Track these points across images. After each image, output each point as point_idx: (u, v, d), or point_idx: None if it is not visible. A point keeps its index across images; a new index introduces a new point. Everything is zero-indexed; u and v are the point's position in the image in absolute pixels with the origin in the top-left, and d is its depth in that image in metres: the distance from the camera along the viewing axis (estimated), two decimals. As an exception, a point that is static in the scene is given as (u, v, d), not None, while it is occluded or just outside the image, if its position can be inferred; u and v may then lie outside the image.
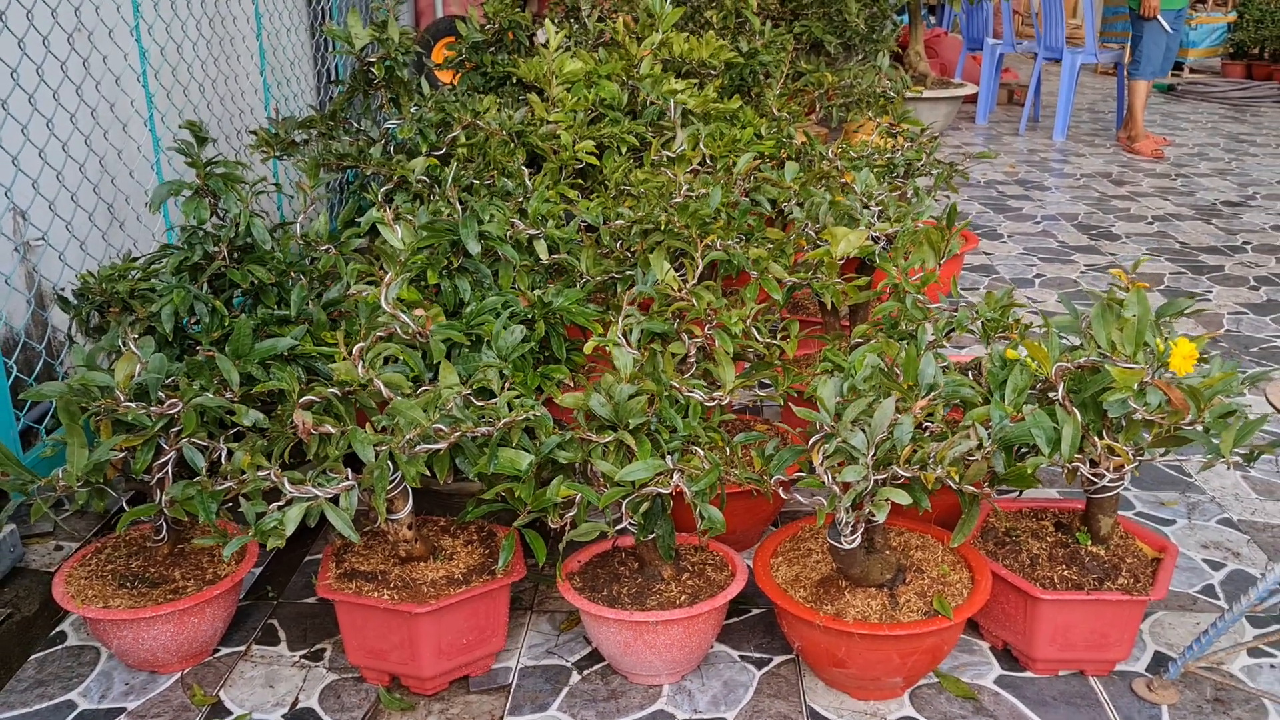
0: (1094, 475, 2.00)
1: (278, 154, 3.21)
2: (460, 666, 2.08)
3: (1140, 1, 6.92)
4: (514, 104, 3.64)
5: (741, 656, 2.18)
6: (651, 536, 2.02)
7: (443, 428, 1.78)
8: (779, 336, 2.51)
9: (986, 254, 4.99)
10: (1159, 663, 2.14)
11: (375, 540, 2.15)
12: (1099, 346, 1.95)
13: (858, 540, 1.81)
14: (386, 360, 2.00)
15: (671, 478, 1.88)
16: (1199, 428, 1.94)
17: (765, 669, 2.14)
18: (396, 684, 2.09)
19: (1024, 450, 1.98)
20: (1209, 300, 4.32)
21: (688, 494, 1.88)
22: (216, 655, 2.19)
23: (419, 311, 1.87)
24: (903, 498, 1.71)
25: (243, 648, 2.22)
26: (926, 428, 1.91)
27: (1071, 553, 2.10)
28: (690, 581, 2.10)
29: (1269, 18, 10.98)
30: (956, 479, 1.73)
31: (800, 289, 2.75)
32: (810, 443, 1.77)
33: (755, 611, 2.31)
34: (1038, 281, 4.57)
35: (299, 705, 2.05)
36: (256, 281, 2.41)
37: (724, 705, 2.04)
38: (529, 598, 2.38)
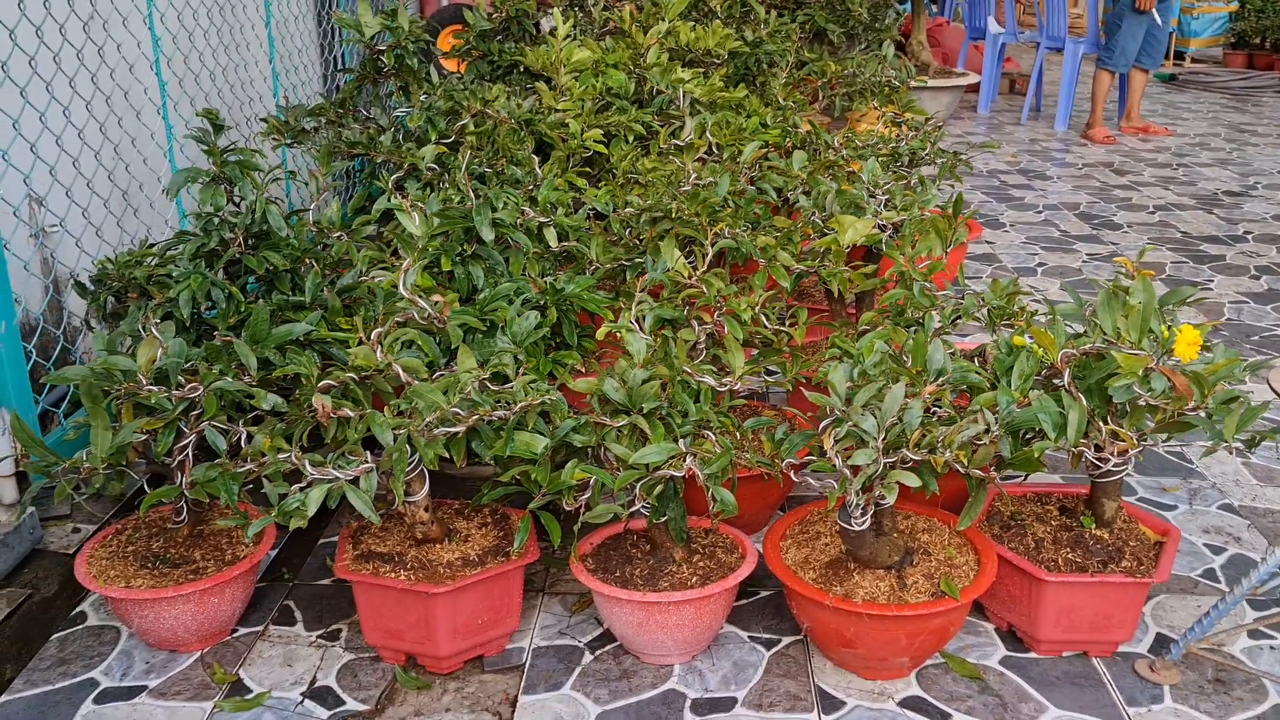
0: (1098, 460, 2.04)
1: (287, 141, 3.24)
2: (475, 646, 2.12)
3: None
4: (522, 92, 3.67)
5: (751, 637, 2.22)
6: (664, 519, 2.06)
7: (460, 411, 1.81)
8: (787, 324, 2.55)
9: (989, 243, 5.02)
10: (1161, 644, 2.18)
11: (391, 523, 2.19)
12: (1104, 333, 1.99)
13: (867, 522, 1.85)
14: (406, 345, 2.04)
15: (684, 461, 1.91)
16: (1202, 414, 1.98)
17: (774, 649, 2.18)
18: (413, 663, 2.13)
19: (1030, 435, 2.02)
20: (1210, 289, 4.35)
21: (700, 477, 1.91)
22: (235, 635, 2.23)
23: (435, 297, 1.90)
24: (912, 480, 1.74)
25: (260, 628, 2.26)
26: (935, 413, 1.95)
27: (1076, 536, 2.14)
28: (701, 563, 2.13)
29: (1270, 7, 11.00)
30: (965, 463, 1.77)
31: (807, 277, 2.79)
32: (821, 427, 1.81)
33: (764, 593, 2.35)
34: (1040, 270, 4.61)
35: (317, 684, 2.09)
36: (271, 268, 2.44)
37: (734, 684, 2.08)
38: (540, 580, 2.42)
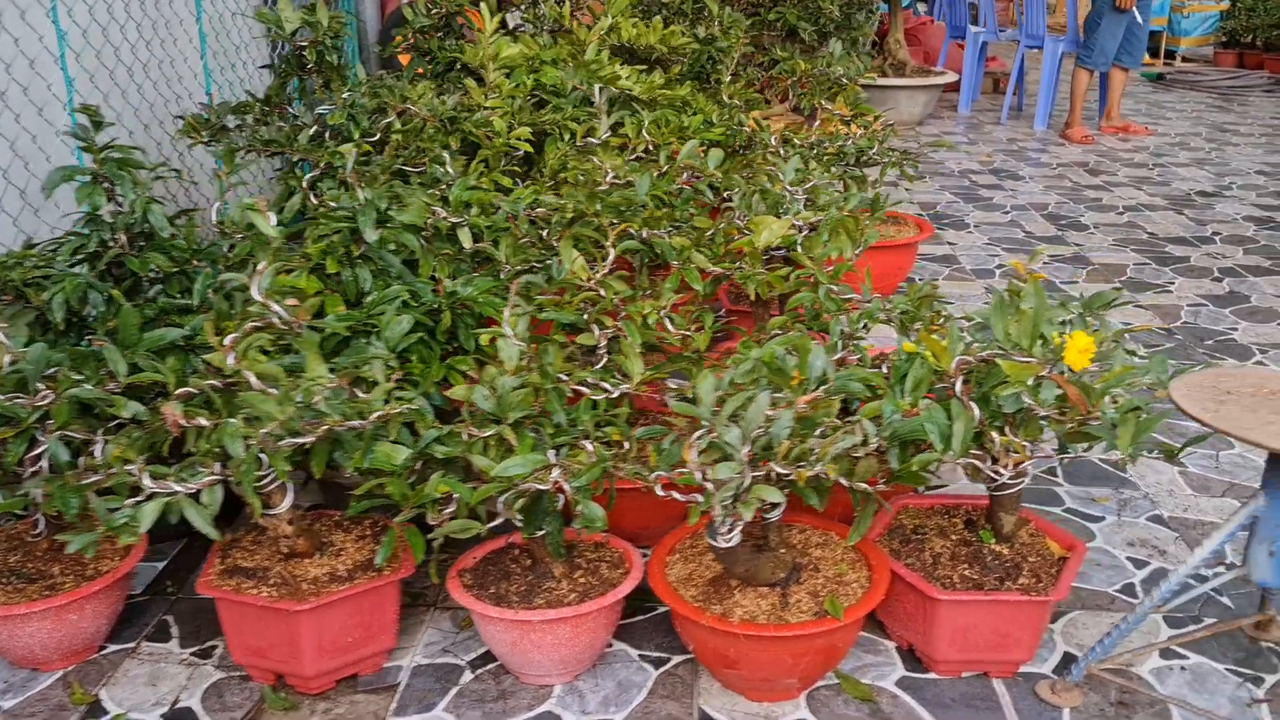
0: (993, 472, 1.94)
1: (205, 140, 3.16)
2: (347, 665, 2.03)
3: None
4: (456, 90, 3.58)
5: (641, 656, 2.13)
6: (540, 533, 1.97)
7: (308, 422, 1.73)
8: (697, 329, 2.45)
9: (951, 244, 4.92)
10: (1068, 664, 2.09)
11: (264, 536, 2.10)
12: (998, 340, 1.90)
13: (735, 539, 1.76)
14: (284, 350, 1.95)
15: (551, 473, 1.82)
16: (1097, 423, 1.88)
17: (663, 669, 2.09)
18: (282, 682, 2.04)
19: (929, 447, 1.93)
20: (1170, 291, 4.25)
21: (567, 490, 1.82)
22: (103, 652, 2.14)
23: (290, 301, 1.81)
24: (775, 495, 1.65)
25: (133, 644, 2.17)
26: (822, 423, 1.85)
27: (974, 551, 2.05)
28: (583, 580, 2.04)
29: (1261, 5, 10.87)
30: (835, 476, 1.68)
31: (727, 279, 2.70)
32: (688, 438, 1.71)
33: (661, 609, 2.25)
34: (998, 272, 4.51)
35: (179, 704, 2.00)
36: (158, 270, 2.36)
37: (614, 706, 1.99)
38: (433, 594, 2.33)
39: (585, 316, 2.36)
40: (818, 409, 1.85)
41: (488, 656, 2.12)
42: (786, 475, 1.67)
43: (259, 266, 1.81)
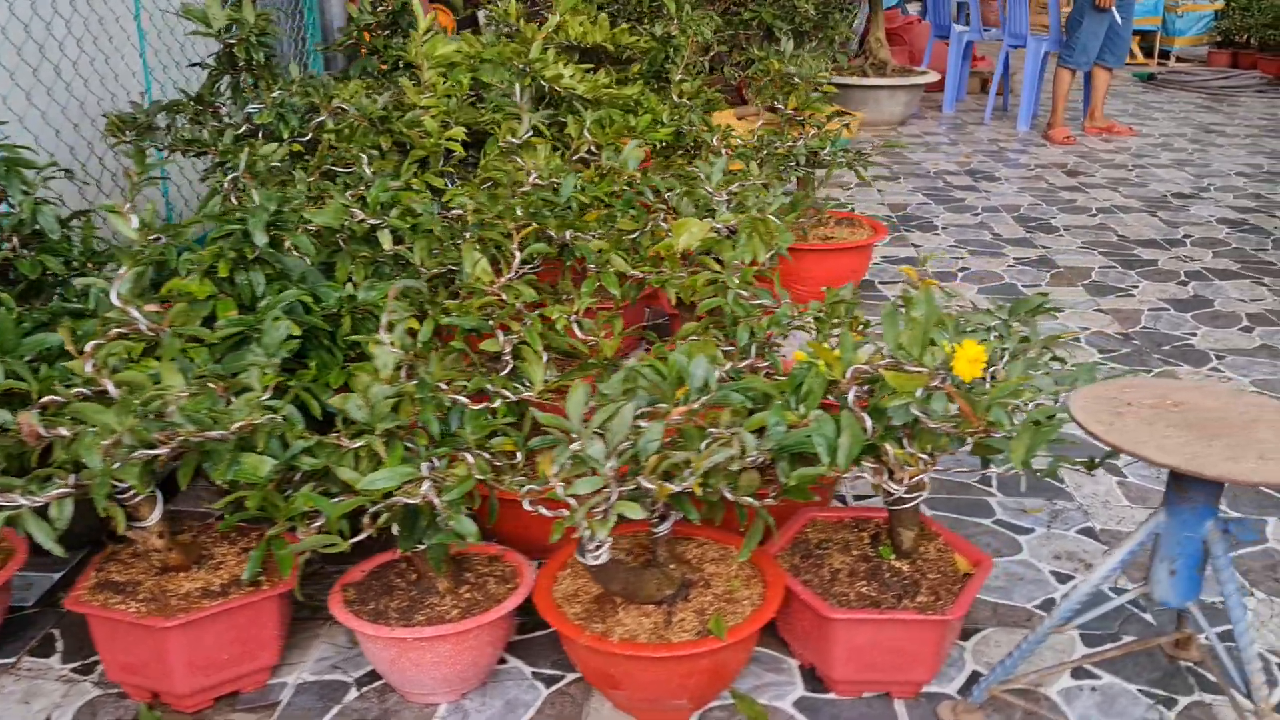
0: (888, 486, 1.87)
1: (128, 140, 3.10)
2: (225, 682, 1.96)
3: None
4: (396, 89, 3.52)
5: (534, 673, 2.06)
6: (421, 547, 1.89)
7: (164, 433, 1.66)
8: (607, 335, 2.38)
9: (916, 246, 4.84)
10: (975, 683, 2.01)
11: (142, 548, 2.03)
12: (891, 349, 1.82)
13: (604, 556, 1.69)
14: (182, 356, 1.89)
15: (422, 486, 1.75)
16: (1001, 435, 1.81)
17: (555, 687, 2.02)
18: (159, 700, 1.97)
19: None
20: (1132, 295, 4.16)
21: (437, 504, 1.75)
22: (-19, 667, 2.08)
23: (150, 307, 1.74)
24: (635, 511, 1.58)
25: (13, 660, 2.10)
26: (714, 435, 1.78)
27: (873, 568, 1.97)
28: (468, 595, 1.97)
29: (1255, 5, 10.76)
30: (699, 491, 1.60)
31: (646, 284, 2.63)
32: (550, 452, 1.64)
33: (562, 624, 2.18)
34: (960, 275, 4.42)
35: (49, 723, 1.93)
36: (50, 273, 2.29)
37: (498, 727, 1.92)
38: (332, 607, 2.26)
39: (490, 322, 2.29)
40: (707, 420, 1.78)
41: (376, 674, 2.05)
42: (651, 490, 1.60)
43: (120, 271, 1.74)
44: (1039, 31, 7.88)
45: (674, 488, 1.59)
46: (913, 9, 10.97)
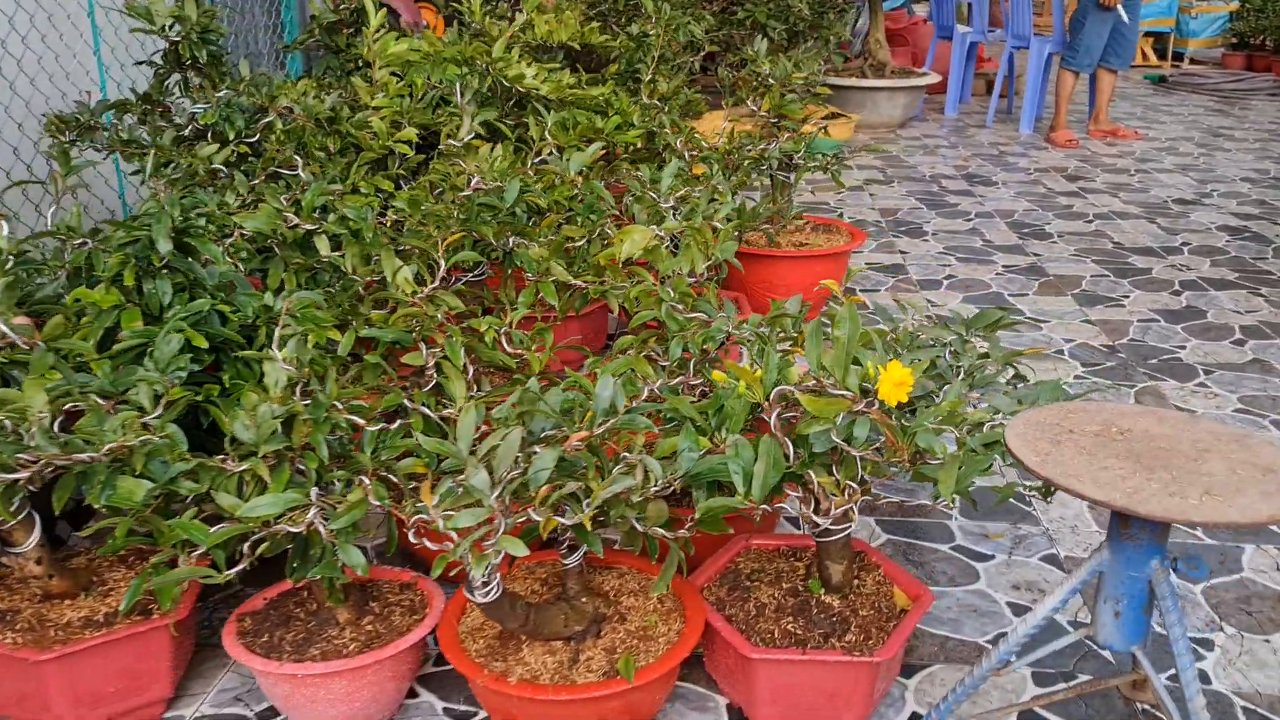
0: (812, 518, 1.74)
1: (68, 139, 2.99)
2: (115, 716, 1.85)
3: None
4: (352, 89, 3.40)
5: (445, 709, 1.94)
6: (314, 577, 1.77)
7: (25, 456, 1.54)
8: (538, 349, 2.26)
9: (903, 252, 4.70)
10: (914, 726, 1.88)
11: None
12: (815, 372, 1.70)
13: (493, 594, 1.56)
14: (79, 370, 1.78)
15: (308, 513, 1.63)
16: (934, 462, 1.68)
17: (465, 725, 1.90)
18: (44, 735, 1.86)
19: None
20: (1123, 305, 4.01)
21: (323, 532, 1.63)
22: None
23: (19, 320, 1.63)
24: (517, 548, 1.45)
25: (-100, 687, 2.00)
26: (625, 460, 1.65)
27: (802, 603, 1.84)
28: (371, 626, 1.85)
29: (1271, 7, 10.55)
30: (588, 523, 1.48)
31: (588, 293, 2.50)
32: (431, 482, 1.52)
33: (482, 655, 2.06)
34: (946, 283, 4.28)
35: (-77, 759, 1.83)
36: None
37: (398, 769, 1.80)
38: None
39: (413, 334, 2.17)
40: (620, 445, 1.66)
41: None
42: (542, 521, 1.47)
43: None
44: (1042, 32, 7.72)
45: (563, 520, 1.47)
46: (920, 10, 10.81)
